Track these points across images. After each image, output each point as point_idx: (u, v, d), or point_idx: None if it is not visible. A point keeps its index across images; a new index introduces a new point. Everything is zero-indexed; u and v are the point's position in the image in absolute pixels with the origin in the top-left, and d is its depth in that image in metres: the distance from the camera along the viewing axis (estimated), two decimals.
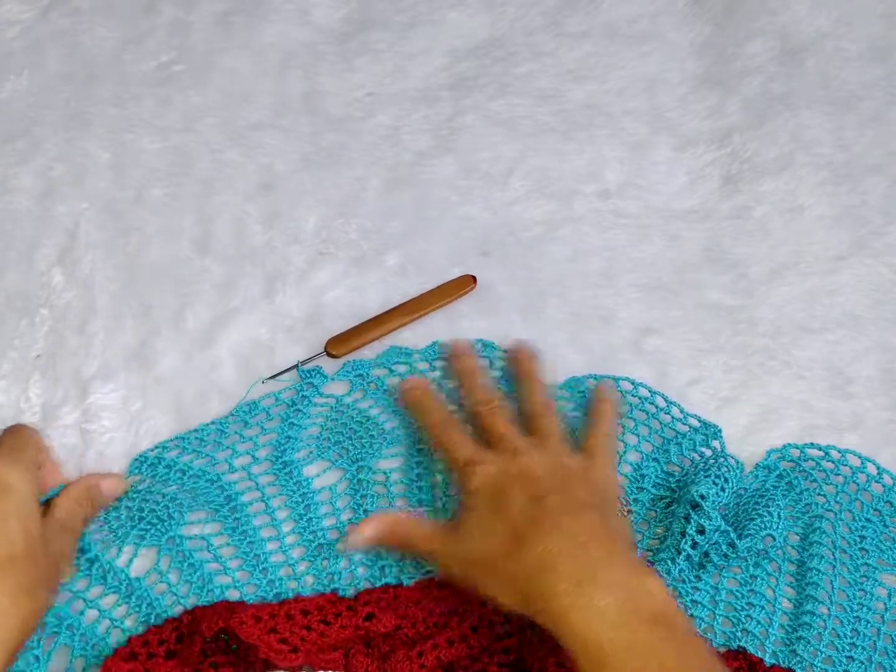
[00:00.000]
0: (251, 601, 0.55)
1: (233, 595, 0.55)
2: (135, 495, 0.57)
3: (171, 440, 0.60)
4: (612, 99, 0.76)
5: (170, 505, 0.57)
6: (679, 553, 0.53)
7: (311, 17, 0.80)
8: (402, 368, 0.63)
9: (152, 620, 0.54)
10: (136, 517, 0.56)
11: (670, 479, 0.59)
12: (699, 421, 0.61)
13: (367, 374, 0.63)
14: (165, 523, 0.56)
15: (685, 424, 0.61)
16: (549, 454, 0.54)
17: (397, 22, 0.80)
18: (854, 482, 0.59)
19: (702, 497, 0.54)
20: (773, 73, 0.77)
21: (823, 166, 0.73)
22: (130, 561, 0.56)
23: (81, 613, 0.54)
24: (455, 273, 0.67)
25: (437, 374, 0.63)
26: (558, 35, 0.79)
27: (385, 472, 0.59)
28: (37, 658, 0.52)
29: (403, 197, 0.71)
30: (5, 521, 0.49)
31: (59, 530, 0.53)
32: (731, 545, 0.55)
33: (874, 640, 0.56)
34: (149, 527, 0.56)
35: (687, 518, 0.54)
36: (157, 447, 0.60)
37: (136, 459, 0.59)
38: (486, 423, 0.57)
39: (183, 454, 0.59)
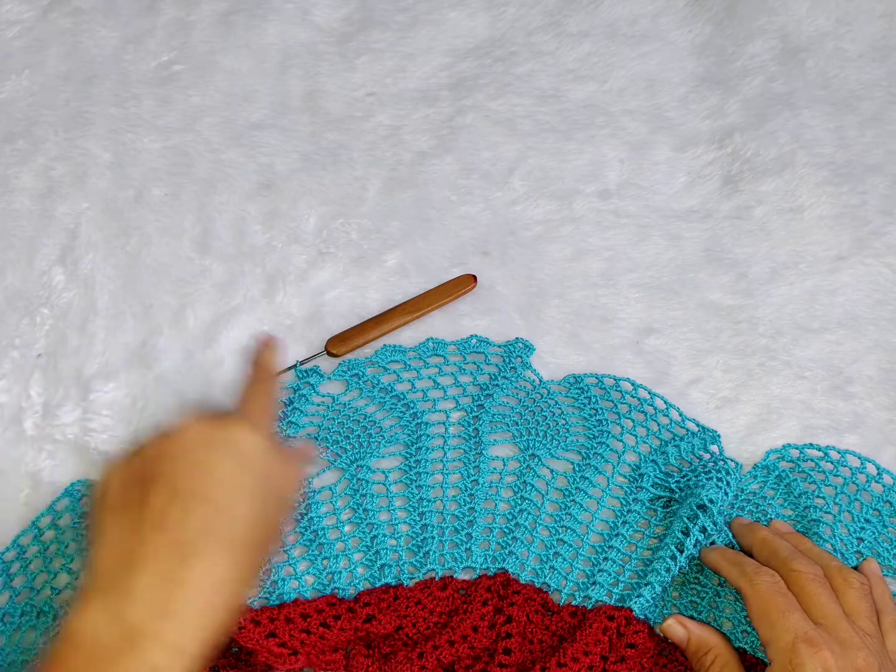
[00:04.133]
0: (254, 603, 0.54)
1: None
2: None
3: None
4: (612, 99, 0.76)
5: None
6: (682, 552, 0.53)
7: (312, 16, 0.80)
8: (396, 366, 0.63)
9: None
10: None
11: (669, 479, 0.59)
12: (698, 425, 0.61)
13: (363, 373, 0.63)
14: None
15: (683, 428, 0.61)
16: (879, 655, 0.49)
17: (397, 22, 0.80)
18: (854, 483, 0.59)
19: (711, 501, 0.54)
20: (773, 73, 0.77)
21: (823, 166, 0.73)
22: None
23: None
24: (455, 273, 0.67)
25: (432, 370, 0.63)
26: (558, 35, 0.79)
27: (384, 472, 0.59)
28: None
29: (403, 197, 0.71)
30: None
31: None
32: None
33: None
34: None
35: (691, 518, 0.54)
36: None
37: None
38: (809, 591, 0.51)
39: None
